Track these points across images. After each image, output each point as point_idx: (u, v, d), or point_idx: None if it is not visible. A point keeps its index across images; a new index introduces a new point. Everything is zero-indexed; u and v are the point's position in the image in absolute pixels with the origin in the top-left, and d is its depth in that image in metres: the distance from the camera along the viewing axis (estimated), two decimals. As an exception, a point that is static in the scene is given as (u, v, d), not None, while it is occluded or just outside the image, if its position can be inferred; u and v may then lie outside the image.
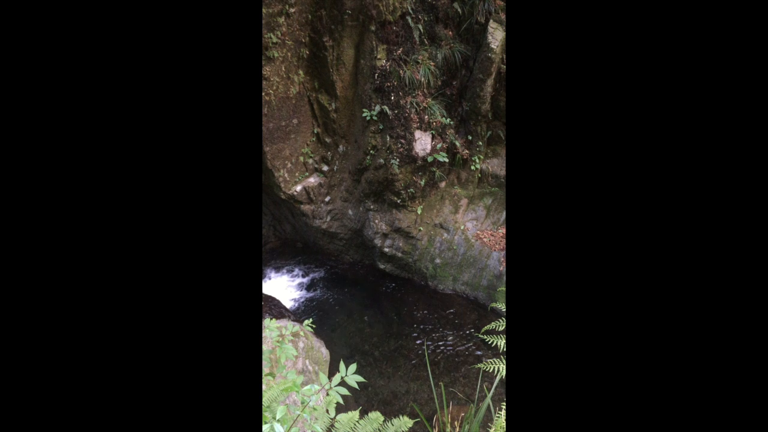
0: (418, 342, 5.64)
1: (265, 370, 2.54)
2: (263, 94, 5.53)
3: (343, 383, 1.89)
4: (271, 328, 2.53)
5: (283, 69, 5.56)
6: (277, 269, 7.06)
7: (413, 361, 5.34)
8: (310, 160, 6.50)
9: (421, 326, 5.89)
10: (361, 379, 1.92)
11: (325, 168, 6.63)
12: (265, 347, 2.74)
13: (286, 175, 6.32)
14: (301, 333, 4.07)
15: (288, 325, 2.50)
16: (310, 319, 2.46)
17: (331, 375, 4.32)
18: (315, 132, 6.36)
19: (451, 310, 6.13)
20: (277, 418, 1.55)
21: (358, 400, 4.58)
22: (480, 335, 4.30)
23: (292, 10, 5.18)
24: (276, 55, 5.35)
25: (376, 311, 6.21)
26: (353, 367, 1.96)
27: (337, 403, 1.92)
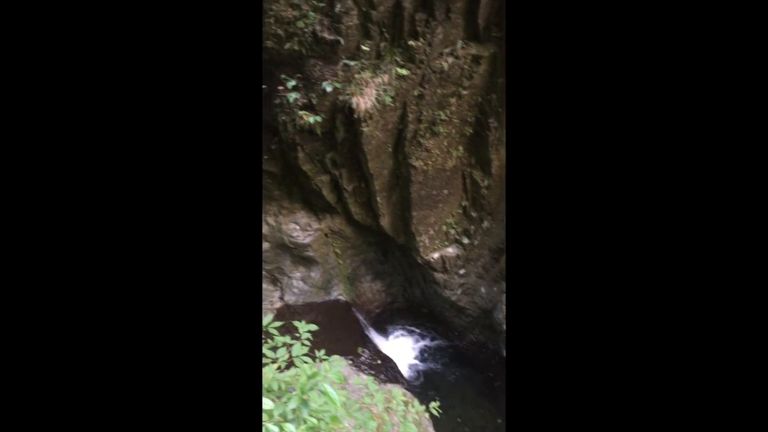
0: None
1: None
2: (422, 163, 5.88)
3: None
4: (398, 400, 2.51)
5: (445, 144, 5.87)
6: (399, 330, 7.10)
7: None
8: (452, 231, 6.58)
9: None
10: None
11: (466, 241, 6.62)
12: (376, 411, 2.70)
13: (426, 241, 6.47)
14: (413, 407, 3.94)
15: (415, 403, 2.45)
16: (437, 403, 2.39)
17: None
18: (462, 205, 6.46)
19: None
20: None
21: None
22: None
23: (464, 92, 5.52)
24: (441, 130, 5.70)
25: (491, 402, 5.72)
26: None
27: None
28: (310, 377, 1.47)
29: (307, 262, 6.90)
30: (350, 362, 5.58)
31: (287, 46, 5.02)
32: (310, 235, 6.71)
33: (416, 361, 6.48)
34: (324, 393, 1.41)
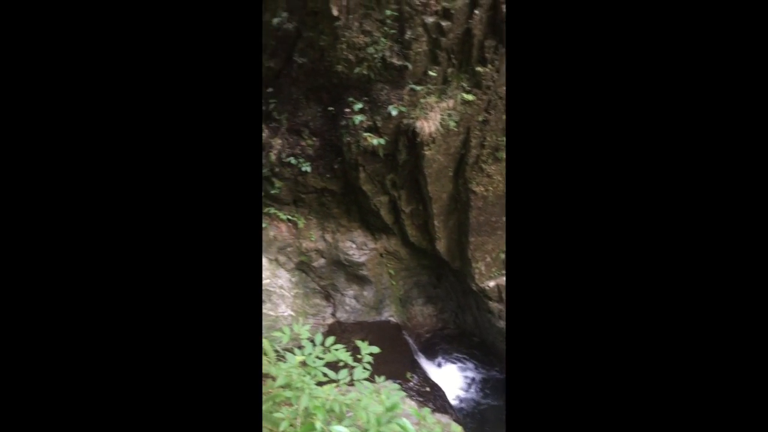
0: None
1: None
2: (483, 189, 5.80)
3: None
4: (456, 435, 2.42)
5: (508, 170, 5.76)
6: (449, 358, 6.92)
7: None
8: (510, 259, 6.38)
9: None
10: None
11: (524, 270, 6.40)
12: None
13: (482, 268, 6.32)
14: (468, 442, 3.79)
15: (474, 440, 2.34)
16: (497, 442, 2.28)
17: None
18: (522, 233, 6.28)
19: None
20: None
21: None
22: None
23: (530, 119, 5.42)
24: (504, 156, 5.60)
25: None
26: None
27: None
28: (388, 409, 1.46)
29: (361, 280, 6.96)
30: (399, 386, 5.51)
31: (356, 70, 5.20)
32: (365, 254, 6.77)
33: (466, 392, 6.26)
34: (403, 428, 1.38)
